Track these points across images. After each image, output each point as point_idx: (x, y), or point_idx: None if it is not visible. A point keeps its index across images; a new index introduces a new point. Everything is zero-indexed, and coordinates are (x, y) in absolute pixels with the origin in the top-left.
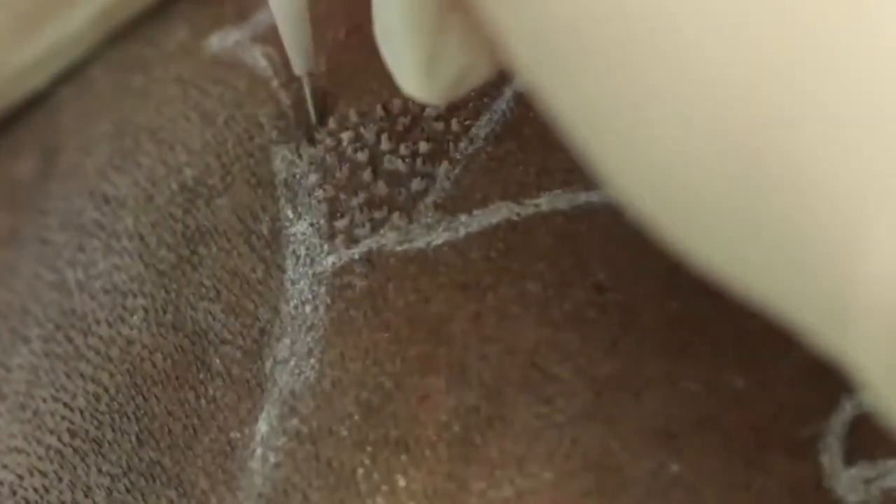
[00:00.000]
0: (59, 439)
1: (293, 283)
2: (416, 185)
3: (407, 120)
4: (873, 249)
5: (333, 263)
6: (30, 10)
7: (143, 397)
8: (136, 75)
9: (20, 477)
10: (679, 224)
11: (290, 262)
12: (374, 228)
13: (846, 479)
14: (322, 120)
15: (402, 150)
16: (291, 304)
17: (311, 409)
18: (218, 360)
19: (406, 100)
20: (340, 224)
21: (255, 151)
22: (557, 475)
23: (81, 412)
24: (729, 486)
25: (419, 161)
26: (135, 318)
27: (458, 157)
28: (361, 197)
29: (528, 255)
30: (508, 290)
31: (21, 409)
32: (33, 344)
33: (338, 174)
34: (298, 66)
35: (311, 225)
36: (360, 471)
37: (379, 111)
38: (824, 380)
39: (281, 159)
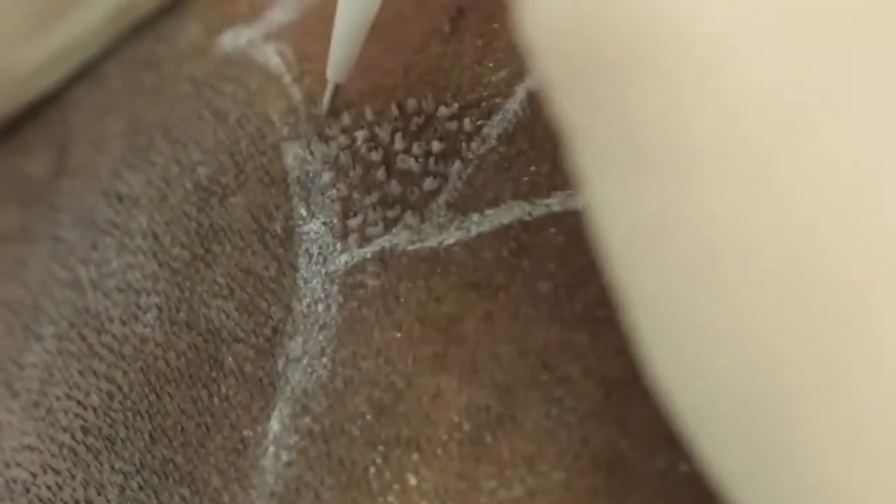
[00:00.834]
0: (73, 437)
1: (306, 281)
2: (428, 184)
3: (421, 119)
4: None
5: (346, 262)
6: (43, 8)
7: (157, 395)
8: (148, 73)
9: (33, 475)
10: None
11: (302, 261)
12: (387, 227)
13: None
14: (334, 112)
15: (416, 149)
16: (304, 302)
17: (323, 407)
18: (231, 359)
19: (420, 99)
20: (353, 223)
21: (268, 150)
22: (568, 474)
23: (95, 410)
24: None
25: (432, 160)
26: (148, 316)
27: (471, 156)
28: (374, 196)
29: (539, 254)
30: (520, 289)
31: (34, 406)
32: (46, 342)
33: (351, 173)
34: (336, 75)
35: (325, 223)
36: (372, 469)
37: (394, 110)
38: None
39: (293, 157)
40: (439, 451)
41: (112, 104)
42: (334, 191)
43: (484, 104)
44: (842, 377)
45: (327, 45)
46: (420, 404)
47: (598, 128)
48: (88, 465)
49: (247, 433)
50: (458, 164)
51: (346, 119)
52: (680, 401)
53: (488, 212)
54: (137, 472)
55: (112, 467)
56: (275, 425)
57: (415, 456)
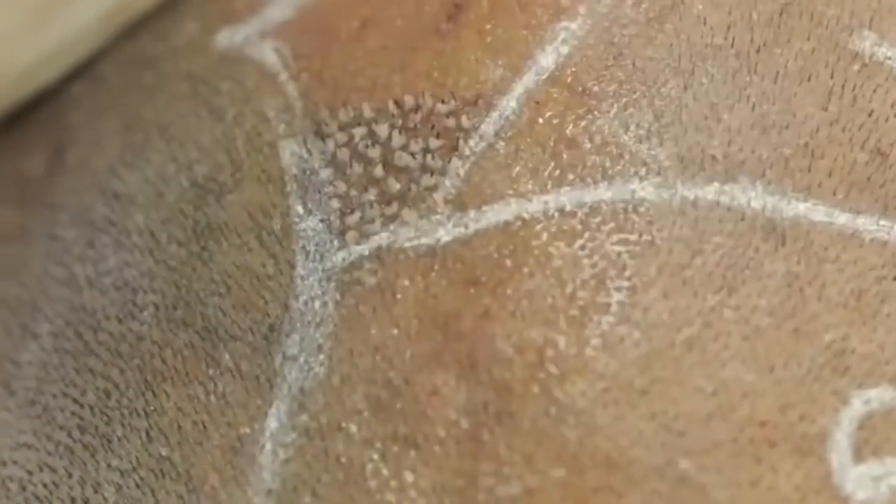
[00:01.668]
0: (69, 435)
1: (303, 278)
2: (426, 181)
3: (418, 116)
4: None
5: (343, 259)
6: (39, 6)
7: (153, 393)
8: (145, 71)
9: (29, 473)
10: None
11: (300, 258)
12: (385, 224)
13: (854, 477)
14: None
15: (413, 146)
16: (301, 299)
17: (320, 405)
18: (228, 356)
19: (418, 96)
20: (351, 220)
21: (265, 147)
22: (566, 472)
23: (91, 408)
24: (737, 483)
25: (430, 157)
26: (145, 314)
27: (469, 153)
28: (372, 193)
29: (537, 251)
30: (518, 286)
31: (31, 404)
32: (43, 340)
33: (349, 170)
34: None
35: (322, 220)
36: (370, 467)
37: (392, 107)
38: (833, 376)
39: (290, 154)
40: (437, 448)
41: (109, 102)
42: (332, 188)
43: (482, 101)
44: None
45: (324, 43)
46: (418, 401)
47: None
48: (85, 463)
49: (244, 431)
50: (455, 160)
51: (343, 116)
52: None
53: (486, 208)
54: (134, 469)
55: (109, 465)
56: (272, 423)
57: (412, 453)
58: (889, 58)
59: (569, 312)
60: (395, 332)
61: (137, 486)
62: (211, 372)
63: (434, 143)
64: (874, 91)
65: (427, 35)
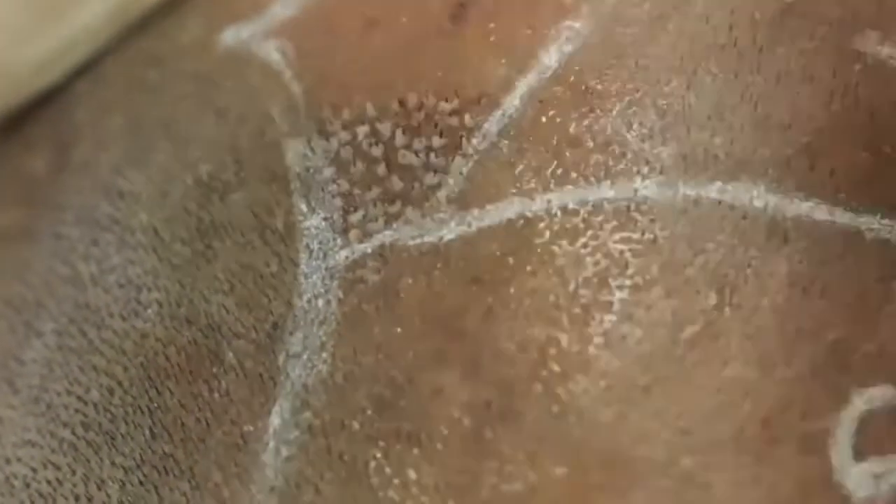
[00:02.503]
0: (73, 432)
1: (306, 277)
2: (429, 179)
3: (421, 115)
4: None
5: (346, 257)
6: (45, 5)
7: (157, 391)
8: (150, 70)
9: (34, 470)
10: None
11: (303, 257)
12: (388, 222)
13: (856, 475)
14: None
15: (416, 144)
16: (304, 298)
17: (323, 402)
18: (231, 354)
19: (421, 94)
20: (354, 218)
21: (269, 146)
22: (569, 470)
23: (95, 405)
24: (739, 481)
25: (433, 156)
26: (149, 311)
27: (472, 152)
28: (375, 191)
29: (540, 249)
30: (521, 284)
31: (35, 402)
32: (47, 338)
33: (352, 169)
34: None
35: (325, 219)
36: (373, 464)
37: (395, 105)
38: (834, 375)
39: (294, 153)
40: (440, 446)
41: (114, 101)
42: (335, 186)
43: (485, 100)
44: None
45: (328, 42)
46: (421, 400)
47: None
48: (89, 461)
49: (247, 428)
50: (459, 159)
51: (347, 114)
52: None
53: (489, 207)
54: (138, 467)
55: (112, 462)
56: (275, 420)
57: (415, 451)
58: (892, 57)
59: (571, 311)
60: (398, 330)
61: (141, 483)
62: (214, 369)
63: (437, 141)
64: (877, 91)
65: (431, 34)
